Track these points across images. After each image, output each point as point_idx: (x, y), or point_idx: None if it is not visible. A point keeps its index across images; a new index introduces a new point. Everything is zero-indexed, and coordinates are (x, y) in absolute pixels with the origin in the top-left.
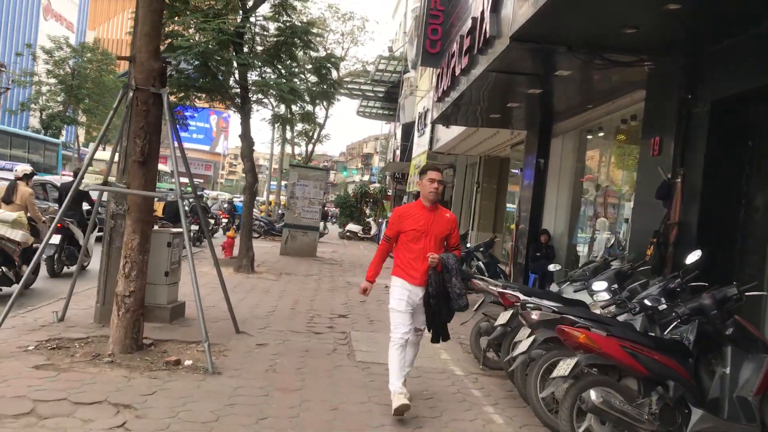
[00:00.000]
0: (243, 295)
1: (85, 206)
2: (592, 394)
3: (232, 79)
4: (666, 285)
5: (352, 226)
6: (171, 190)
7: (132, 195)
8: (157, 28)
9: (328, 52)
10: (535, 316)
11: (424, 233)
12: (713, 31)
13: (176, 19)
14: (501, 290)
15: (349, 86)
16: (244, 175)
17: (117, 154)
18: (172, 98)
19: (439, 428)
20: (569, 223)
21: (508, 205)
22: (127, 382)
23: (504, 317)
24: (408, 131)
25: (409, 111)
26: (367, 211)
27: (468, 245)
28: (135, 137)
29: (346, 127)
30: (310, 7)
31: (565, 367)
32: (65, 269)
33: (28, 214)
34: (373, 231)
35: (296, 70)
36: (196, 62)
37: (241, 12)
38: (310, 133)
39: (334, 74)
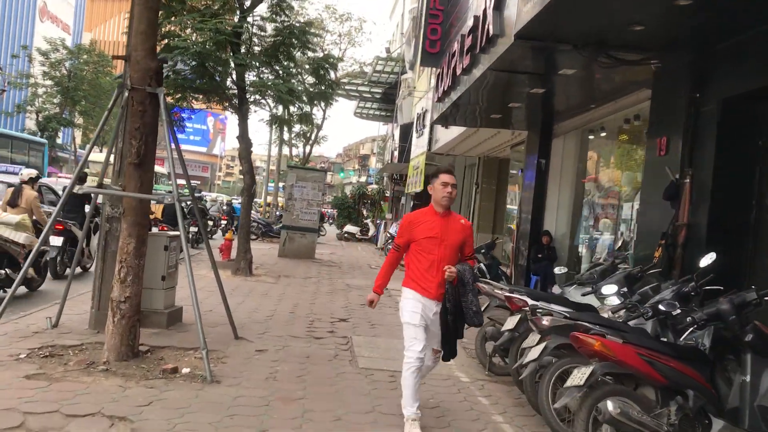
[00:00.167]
0: (241, 298)
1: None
2: (610, 405)
3: (229, 79)
4: (679, 289)
5: (350, 228)
6: (169, 192)
7: (128, 198)
8: (153, 25)
9: (326, 53)
10: (546, 321)
11: (437, 242)
12: (722, 27)
13: (173, 19)
14: (508, 294)
15: (347, 87)
16: (241, 177)
17: (112, 156)
18: (169, 99)
19: None
20: (571, 224)
21: (508, 206)
22: (122, 392)
23: (511, 322)
24: (406, 132)
25: (407, 112)
26: (365, 213)
27: None
28: (131, 138)
29: (343, 129)
30: (308, 7)
31: (580, 376)
32: (68, 271)
33: (34, 217)
34: (371, 232)
35: (294, 70)
36: (193, 63)
37: (238, 12)
38: (308, 134)
39: (332, 75)
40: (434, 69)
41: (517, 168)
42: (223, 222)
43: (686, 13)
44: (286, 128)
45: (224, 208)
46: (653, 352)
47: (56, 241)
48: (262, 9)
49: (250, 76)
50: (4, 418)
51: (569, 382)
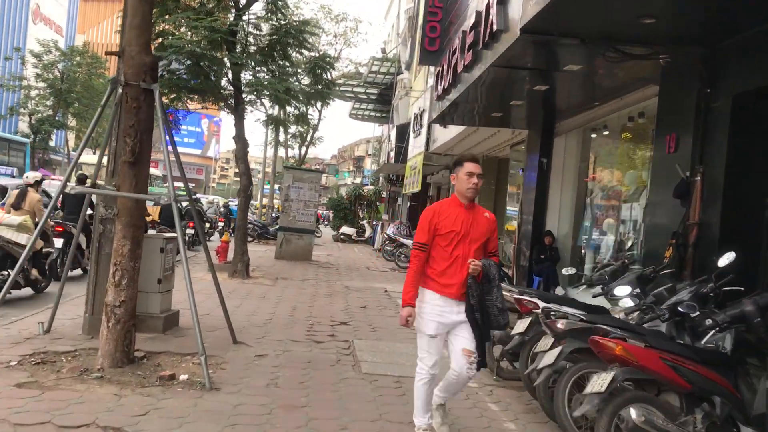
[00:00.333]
0: (239, 301)
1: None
2: (633, 413)
3: (225, 79)
4: (697, 290)
5: (346, 229)
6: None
7: (122, 198)
8: (147, 20)
9: (321, 53)
10: (561, 325)
11: (462, 236)
12: (734, 21)
13: (167, 17)
14: (518, 296)
15: (342, 88)
16: (236, 179)
17: (106, 155)
18: (164, 100)
19: None
20: (573, 224)
21: (508, 207)
22: (117, 400)
23: (522, 325)
24: (402, 133)
25: (404, 112)
26: (361, 214)
27: None
28: (125, 136)
29: (337, 130)
30: (303, 8)
31: (600, 382)
32: (70, 273)
33: (36, 220)
34: (368, 234)
35: (290, 70)
36: (188, 62)
37: (233, 10)
38: (305, 135)
39: (329, 74)
40: (432, 68)
41: (517, 168)
42: (221, 224)
43: (699, 5)
44: (282, 129)
45: (221, 210)
46: (676, 356)
47: (56, 243)
48: (257, 8)
49: (246, 76)
50: None
51: (589, 389)
